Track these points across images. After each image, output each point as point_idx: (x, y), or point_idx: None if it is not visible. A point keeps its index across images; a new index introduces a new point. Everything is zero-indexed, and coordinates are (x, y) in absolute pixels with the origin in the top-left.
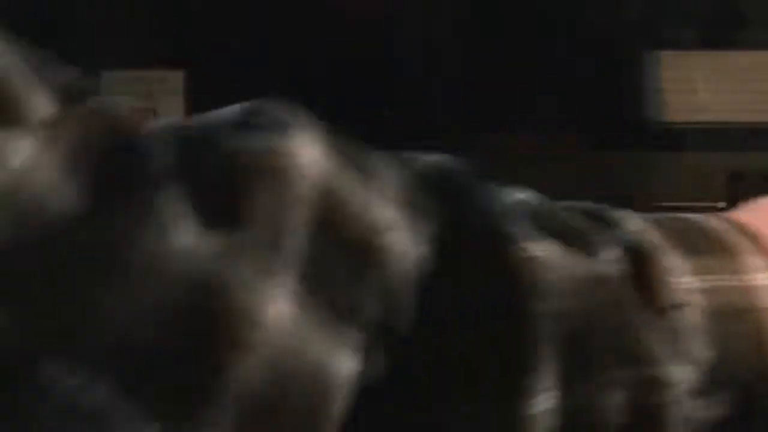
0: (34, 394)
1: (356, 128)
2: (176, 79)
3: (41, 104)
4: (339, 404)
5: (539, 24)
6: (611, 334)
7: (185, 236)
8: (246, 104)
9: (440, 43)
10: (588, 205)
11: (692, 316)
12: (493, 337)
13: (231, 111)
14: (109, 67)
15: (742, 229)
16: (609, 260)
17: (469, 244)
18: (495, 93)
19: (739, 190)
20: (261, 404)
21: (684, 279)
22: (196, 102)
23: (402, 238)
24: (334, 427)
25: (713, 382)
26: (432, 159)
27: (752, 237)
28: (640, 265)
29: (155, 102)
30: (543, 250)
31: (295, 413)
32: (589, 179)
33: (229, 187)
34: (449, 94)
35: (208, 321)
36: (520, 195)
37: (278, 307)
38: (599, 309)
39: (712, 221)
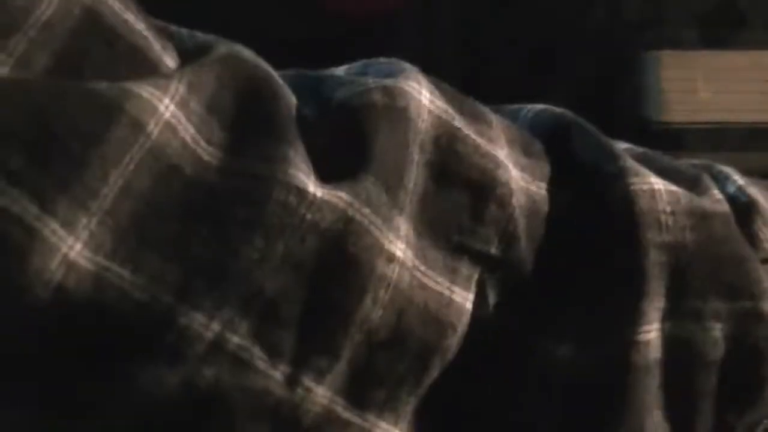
0: (185, 336)
1: None
2: None
3: (175, 61)
4: (455, 339)
5: (539, 24)
6: (718, 267)
7: (317, 184)
8: (355, 64)
9: (440, 43)
10: (690, 159)
11: None
12: (608, 265)
13: (345, 68)
14: None
15: None
16: (716, 198)
17: (582, 179)
18: (495, 93)
19: None
20: (384, 339)
21: None
22: None
23: (516, 174)
24: (446, 360)
25: None
26: (539, 107)
27: None
28: (745, 215)
29: None
30: (653, 184)
31: (414, 347)
32: None
33: (355, 130)
34: None
35: (342, 265)
36: (623, 144)
37: (405, 243)
38: (708, 242)
39: None
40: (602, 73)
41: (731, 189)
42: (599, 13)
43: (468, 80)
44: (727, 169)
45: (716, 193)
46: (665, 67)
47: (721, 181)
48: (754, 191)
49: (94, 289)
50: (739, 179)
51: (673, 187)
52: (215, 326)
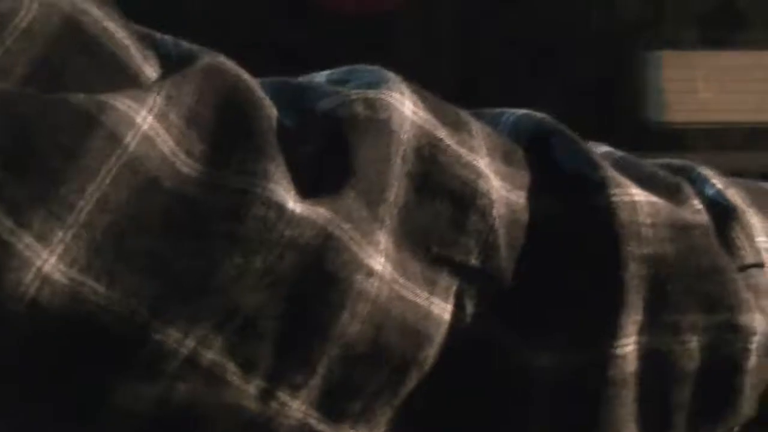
0: (160, 352)
1: None
2: None
3: (156, 71)
4: (432, 350)
5: (539, 24)
6: (696, 280)
7: (296, 200)
8: (338, 71)
9: (440, 43)
10: (669, 160)
11: (766, 274)
12: (587, 277)
13: (327, 73)
14: None
15: None
16: (695, 209)
17: (562, 189)
18: (495, 93)
19: None
20: (362, 353)
21: (760, 238)
22: None
23: (497, 184)
24: (423, 371)
25: None
26: (520, 112)
27: None
28: (724, 221)
29: None
30: (634, 195)
31: (391, 359)
32: None
33: (337, 143)
34: (449, 95)
35: (320, 281)
36: (603, 148)
37: (384, 257)
38: (687, 254)
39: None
40: (602, 73)
41: (710, 192)
42: (599, 13)
43: (467, 80)
44: (706, 171)
45: (696, 203)
46: (665, 67)
47: (699, 183)
48: (733, 194)
49: (69, 304)
50: (718, 182)
51: (654, 198)
52: (189, 342)
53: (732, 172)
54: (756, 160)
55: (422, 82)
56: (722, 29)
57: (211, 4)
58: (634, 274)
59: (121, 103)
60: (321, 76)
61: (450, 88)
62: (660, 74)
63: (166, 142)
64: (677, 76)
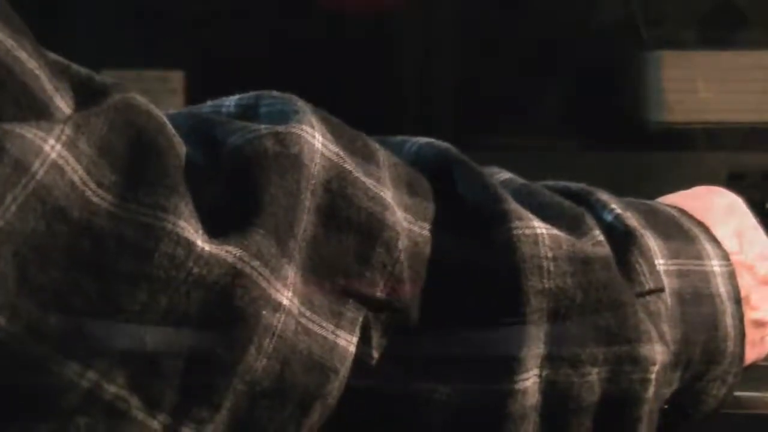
0: (58, 386)
1: (355, 128)
2: (176, 79)
3: (66, 103)
4: (337, 383)
5: (539, 24)
6: (597, 313)
7: (205, 238)
8: (247, 95)
9: (440, 43)
10: (567, 185)
11: (665, 298)
12: (489, 311)
13: (236, 102)
14: (109, 67)
15: (691, 217)
16: (596, 241)
17: (464, 222)
18: (495, 93)
19: (739, 190)
20: (267, 388)
21: (659, 261)
22: (196, 102)
23: (401, 215)
24: (327, 404)
25: (675, 363)
26: (423, 140)
27: (700, 225)
28: (623, 247)
29: (155, 102)
30: (536, 228)
31: (296, 394)
32: (589, 179)
33: (246, 180)
34: (449, 95)
35: (227, 318)
36: (505, 175)
37: (292, 291)
38: (588, 287)
39: (666, 207)
40: (602, 73)
41: (609, 218)
42: (599, 13)
43: (467, 80)
44: (605, 197)
45: (597, 234)
46: (665, 67)
47: (599, 209)
48: (632, 219)
49: None
50: (616, 206)
51: (555, 231)
52: (91, 375)
53: (732, 172)
54: (756, 160)
55: (422, 82)
56: (722, 29)
57: (211, 4)
58: (535, 309)
59: (28, 131)
60: (230, 101)
61: (450, 88)
62: (660, 74)
63: (75, 171)
64: (677, 76)
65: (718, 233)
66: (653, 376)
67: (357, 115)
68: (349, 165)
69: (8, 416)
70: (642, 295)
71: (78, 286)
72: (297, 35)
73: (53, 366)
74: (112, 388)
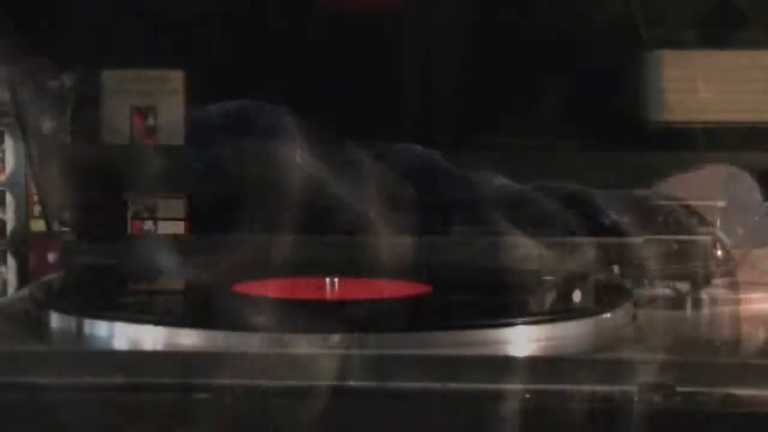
0: None
1: (356, 127)
2: (176, 79)
3: None
4: None
5: (539, 24)
6: None
7: None
8: (231, 106)
9: (440, 43)
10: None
11: None
12: None
13: (219, 114)
14: (109, 66)
15: None
16: None
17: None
18: (495, 93)
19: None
20: None
21: None
22: (195, 102)
23: (384, 230)
24: None
25: None
26: (407, 148)
27: None
28: None
29: (155, 102)
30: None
31: None
32: (589, 179)
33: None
34: (449, 95)
35: None
36: (500, 181)
37: None
38: None
39: None
40: (602, 73)
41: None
42: (599, 13)
43: (467, 81)
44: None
45: None
46: (665, 67)
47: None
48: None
49: None
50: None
51: None
52: None
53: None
54: (756, 160)
55: (422, 82)
56: (722, 29)
57: (211, 4)
58: None
59: None
60: (216, 116)
61: (450, 88)
62: (660, 74)
63: None
64: (677, 76)
65: None
66: None
67: (357, 115)
68: (331, 176)
69: None
70: None
71: None
72: (297, 35)
73: None
74: None
